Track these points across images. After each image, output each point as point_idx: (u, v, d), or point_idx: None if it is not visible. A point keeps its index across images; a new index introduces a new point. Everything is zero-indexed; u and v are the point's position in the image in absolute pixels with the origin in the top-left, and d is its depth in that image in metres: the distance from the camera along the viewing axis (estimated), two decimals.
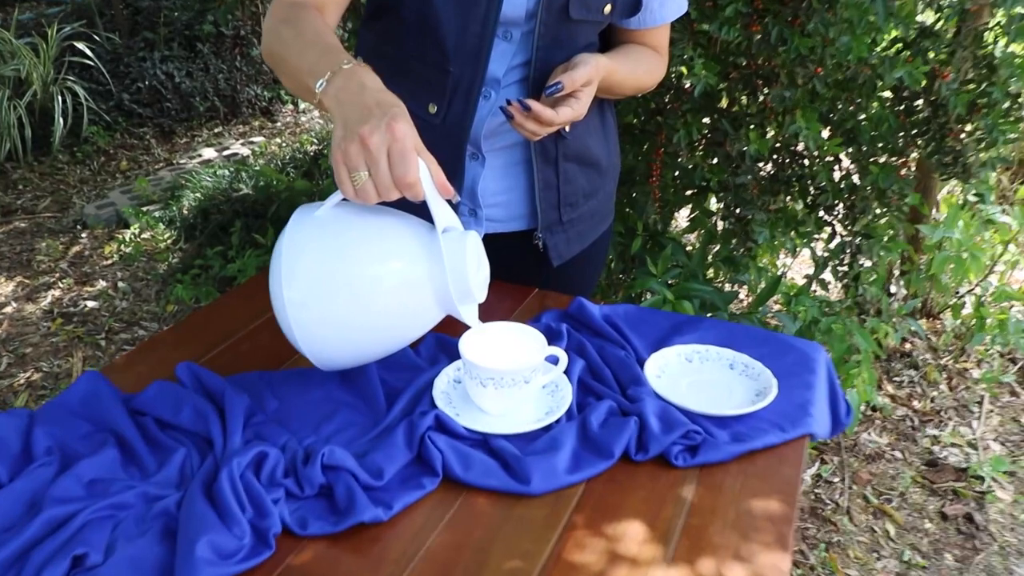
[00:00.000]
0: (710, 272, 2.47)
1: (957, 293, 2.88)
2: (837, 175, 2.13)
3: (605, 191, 1.38)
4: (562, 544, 0.80)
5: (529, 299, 1.26)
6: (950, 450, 2.33)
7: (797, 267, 3.17)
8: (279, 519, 0.79)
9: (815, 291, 2.26)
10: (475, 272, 0.91)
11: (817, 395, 1.04)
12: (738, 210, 2.20)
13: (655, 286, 2.09)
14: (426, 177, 0.86)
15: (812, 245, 2.29)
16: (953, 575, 1.97)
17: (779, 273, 2.55)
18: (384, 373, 1.02)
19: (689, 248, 2.62)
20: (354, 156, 0.84)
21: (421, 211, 0.92)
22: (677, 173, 2.32)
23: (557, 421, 0.94)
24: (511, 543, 0.80)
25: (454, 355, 1.04)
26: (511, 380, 0.91)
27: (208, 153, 4.63)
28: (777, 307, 2.74)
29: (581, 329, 1.14)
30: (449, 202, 0.91)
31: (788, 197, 2.28)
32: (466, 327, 0.94)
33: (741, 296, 2.81)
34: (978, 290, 2.71)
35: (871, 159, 2.04)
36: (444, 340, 1.09)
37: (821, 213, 2.22)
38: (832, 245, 2.22)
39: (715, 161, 2.19)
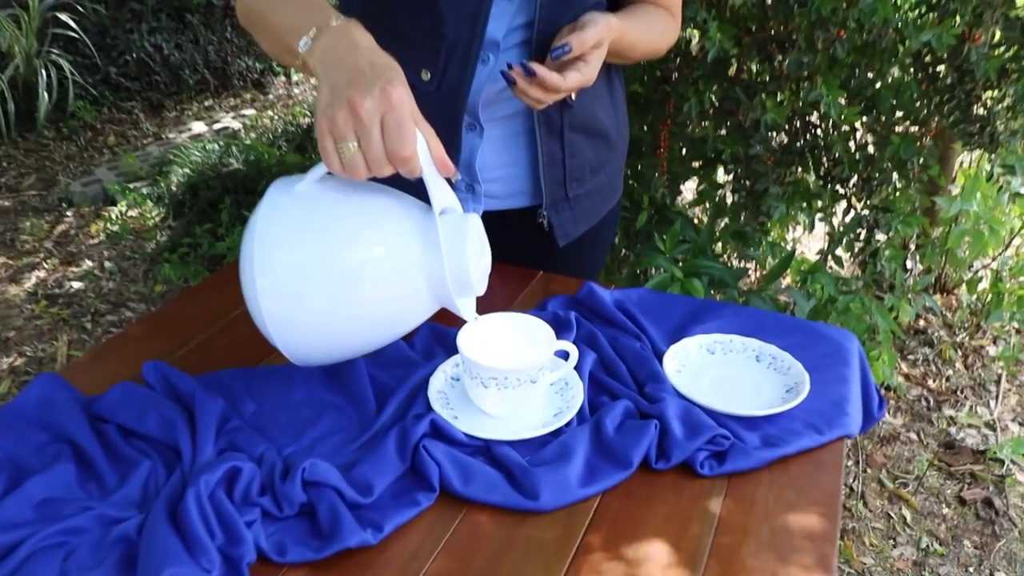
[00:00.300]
0: (717, 247, 2.37)
1: (970, 267, 2.78)
2: (852, 146, 2.02)
3: (614, 164, 1.27)
4: (576, 569, 0.70)
5: (533, 283, 1.15)
6: (967, 431, 2.24)
7: (805, 242, 3.06)
8: (253, 545, 0.69)
9: (829, 267, 2.16)
10: (476, 261, 0.81)
11: (852, 390, 0.94)
12: (748, 183, 2.09)
13: (663, 263, 1.99)
14: (424, 151, 0.75)
15: (824, 219, 2.19)
16: (972, 563, 1.89)
17: (791, 248, 2.45)
18: (374, 370, 0.92)
19: (695, 222, 2.52)
20: (342, 124, 0.73)
21: (416, 190, 0.81)
22: (682, 144, 2.21)
23: (567, 424, 0.84)
24: (518, 569, 0.70)
25: (452, 348, 0.94)
26: (516, 380, 0.81)
27: (198, 127, 4.50)
28: (785, 283, 2.64)
29: (591, 318, 1.04)
30: (448, 181, 0.81)
31: (800, 169, 2.18)
32: (464, 319, 0.84)
33: (748, 271, 2.71)
34: (995, 264, 2.62)
35: (892, 128, 1.93)
36: (441, 331, 0.99)
37: (836, 186, 2.12)
38: (847, 219, 2.11)
39: (724, 132, 2.08)
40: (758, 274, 2.87)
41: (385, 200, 0.82)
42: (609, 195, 1.29)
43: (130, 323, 0.96)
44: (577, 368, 0.90)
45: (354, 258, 0.78)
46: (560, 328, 0.99)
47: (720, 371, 0.95)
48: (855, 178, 2.10)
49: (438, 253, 0.78)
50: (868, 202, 2.06)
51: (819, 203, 2.15)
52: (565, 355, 0.88)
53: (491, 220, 1.17)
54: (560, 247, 1.23)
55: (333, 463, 0.78)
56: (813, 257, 2.93)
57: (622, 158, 1.30)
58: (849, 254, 2.15)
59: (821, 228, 3.00)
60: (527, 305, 1.09)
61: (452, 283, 0.78)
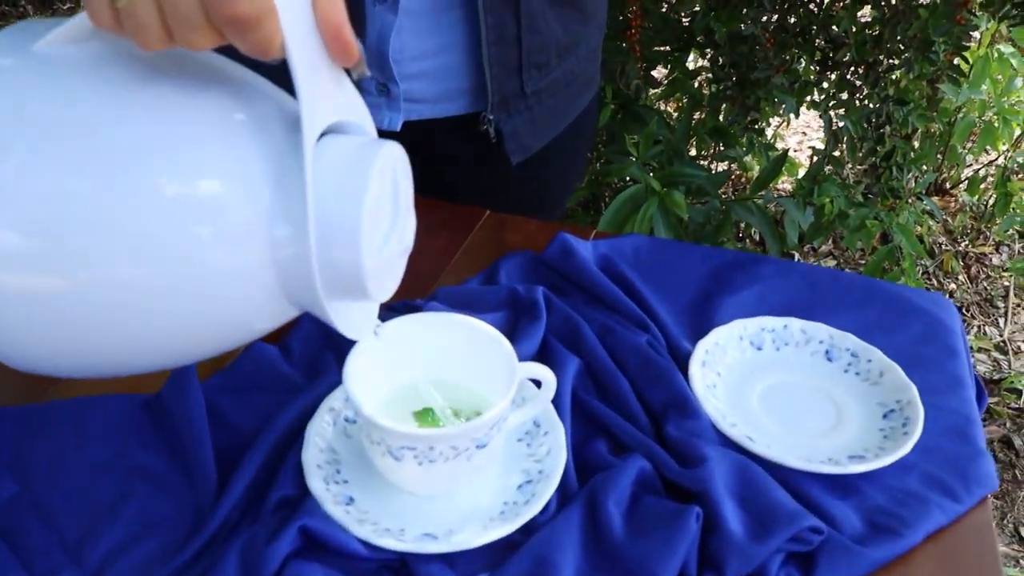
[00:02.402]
0: (691, 148, 2.01)
1: (966, 164, 2.47)
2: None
3: (589, 45, 0.89)
4: None
5: (475, 231, 0.79)
6: (977, 356, 1.96)
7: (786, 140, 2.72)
8: None
9: (830, 171, 1.82)
10: (378, 237, 0.42)
11: (971, 398, 0.61)
12: (734, 71, 1.73)
13: (635, 172, 1.63)
14: (297, 7, 0.36)
15: (822, 114, 1.83)
16: (994, 516, 1.63)
17: (785, 149, 2.10)
18: (218, 396, 0.56)
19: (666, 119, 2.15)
20: None
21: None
22: (650, 24, 1.82)
23: (543, 510, 0.49)
24: None
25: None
26: (450, 450, 0.45)
27: None
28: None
29: (568, 290, 0.68)
30: (349, 74, 0.41)
31: (786, 54, 1.82)
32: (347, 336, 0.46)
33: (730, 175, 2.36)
34: (1002, 161, 2.31)
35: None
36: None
37: (836, 74, 1.76)
38: (850, 114, 1.76)
39: (697, 9, 1.70)
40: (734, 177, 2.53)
41: (214, 95, 0.41)
42: (582, 88, 0.91)
43: None
44: (555, 398, 0.54)
45: (135, 196, 0.38)
46: (521, 315, 0.63)
47: (774, 379, 0.61)
48: (856, 65, 1.75)
49: (302, 216, 0.39)
50: (876, 92, 1.71)
51: (816, 95, 1.80)
52: (536, 382, 0.52)
53: (412, 134, 0.80)
54: (513, 166, 0.85)
55: None
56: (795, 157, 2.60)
57: (599, 35, 0.92)
58: (850, 155, 1.81)
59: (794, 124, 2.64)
60: (467, 271, 0.72)
61: (323, 277, 0.40)
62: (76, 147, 0.37)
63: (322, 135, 0.40)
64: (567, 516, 0.48)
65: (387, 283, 0.43)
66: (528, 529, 0.48)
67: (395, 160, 0.42)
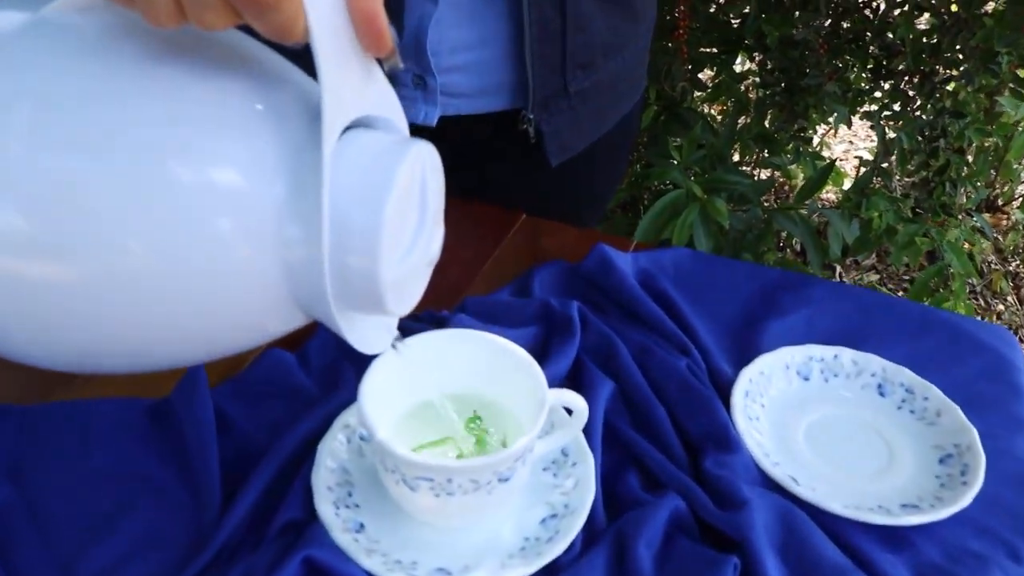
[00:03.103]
0: (734, 154, 1.96)
1: (1021, 180, 2.39)
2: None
3: (637, 46, 0.85)
4: None
5: (509, 236, 0.75)
6: None
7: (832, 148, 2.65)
8: None
9: (878, 183, 1.76)
10: (402, 246, 0.39)
11: None
12: (783, 76, 1.67)
13: (677, 177, 1.58)
14: None
15: (874, 125, 1.77)
16: None
17: (832, 159, 2.04)
18: (229, 403, 0.53)
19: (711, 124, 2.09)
20: None
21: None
22: (697, 24, 1.77)
23: (568, 549, 0.45)
24: None
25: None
26: (470, 483, 0.42)
27: None
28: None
29: (606, 306, 0.64)
30: (380, 64, 0.38)
31: (838, 61, 1.76)
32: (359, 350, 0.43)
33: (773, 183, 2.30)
34: None
35: (975, 7, 1.49)
36: None
37: (890, 83, 1.70)
38: (904, 125, 1.70)
39: (747, 10, 1.65)
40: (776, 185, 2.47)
41: (231, 77, 0.37)
42: (628, 90, 0.87)
43: None
44: (586, 427, 0.50)
45: (130, 181, 0.34)
46: (554, 331, 0.59)
47: (820, 412, 0.57)
48: (909, 75, 1.69)
49: (317, 216, 0.36)
50: (932, 104, 1.65)
51: (868, 105, 1.74)
52: (566, 408, 0.48)
53: (449, 129, 0.76)
54: (553, 168, 0.81)
55: None
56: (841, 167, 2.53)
57: (648, 35, 0.88)
58: (899, 167, 1.75)
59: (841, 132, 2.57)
60: (499, 280, 0.69)
61: (335, 286, 0.37)
62: (76, 125, 0.33)
63: (348, 129, 0.37)
64: (593, 558, 0.44)
65: (407, 297, 0.39)
66: (550, 569, 0.44)
67: (425, 162, 0.38)
